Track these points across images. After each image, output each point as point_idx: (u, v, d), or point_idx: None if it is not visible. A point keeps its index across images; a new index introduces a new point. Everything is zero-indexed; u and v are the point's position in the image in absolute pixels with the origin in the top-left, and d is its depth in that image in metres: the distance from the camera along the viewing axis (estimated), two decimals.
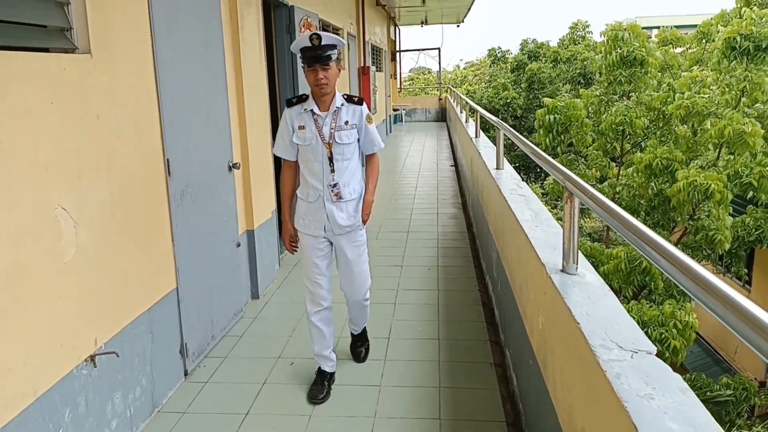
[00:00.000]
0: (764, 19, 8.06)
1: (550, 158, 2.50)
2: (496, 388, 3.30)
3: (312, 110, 2.95)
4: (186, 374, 3.45)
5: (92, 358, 2.55)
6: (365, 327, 3.66)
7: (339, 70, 2.93)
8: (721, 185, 7.12)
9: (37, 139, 2.26)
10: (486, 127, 11.39)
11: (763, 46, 8.00)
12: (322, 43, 2.79)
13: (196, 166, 3.63)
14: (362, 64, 11.82)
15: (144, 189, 3.05)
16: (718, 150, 8.33)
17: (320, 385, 3.25)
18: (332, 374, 3.33)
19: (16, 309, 2.13)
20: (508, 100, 19.49)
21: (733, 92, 8.23)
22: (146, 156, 3.07)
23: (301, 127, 2.97)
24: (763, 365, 12.36)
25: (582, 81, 18.87)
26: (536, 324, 2.48)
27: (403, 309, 4.48)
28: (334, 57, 2.86)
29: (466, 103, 10.06)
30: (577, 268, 2.18)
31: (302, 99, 3.01)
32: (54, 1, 2.44)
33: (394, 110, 21.73)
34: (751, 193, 7.61)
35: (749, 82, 8.15)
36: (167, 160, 3.25)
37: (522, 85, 20.85)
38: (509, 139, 4.23)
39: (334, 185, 2.99)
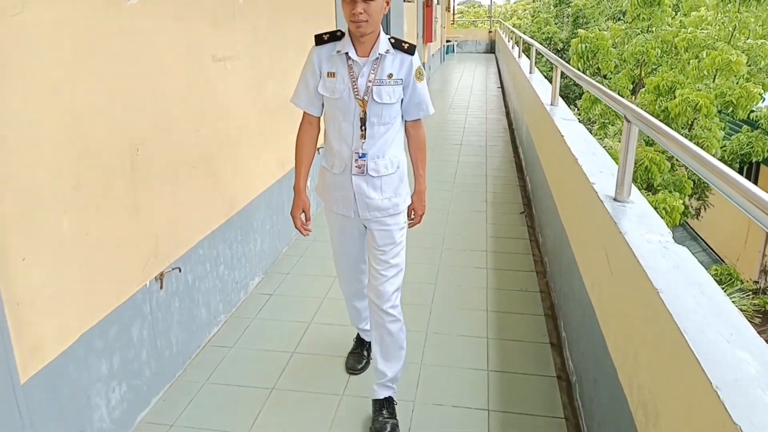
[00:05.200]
0: None
1: (546, 50, 4.91)
2: (517, 184, 5.84)
3: (347, 53, 2.22)
4: None
5: None
6: (393, 395, 2.55)
7: (387, 3, 2.17)
8: (708, 102, 9.26)
9: (217, 21, 4.77)
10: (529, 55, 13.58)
11: None
12: None
13: None
14: None
15: None
16: (713, 76, 10.38)
17: (359, 355, 2.94)
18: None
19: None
20: (550, 35, 21.30)
21: (727, 29, 10.21)
22: None
23: (331, 74, 2.25)
24: (757, 269, 14.59)
25: (621, 17, 20.49)
26: (544, 149, 4.96)
27: (464, 166, 7.03)
28: None
29: (512, 31, 12.26)
30: (558, 104, 4.63)
31: (336, 36, 2.27)
32: None
33: (447, 42, 23.70)
34: (731, 108, 9.73)
35: (738, 21, 10.10)
36: None
37: (565, 20, 22.56)
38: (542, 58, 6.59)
39: (361, 156, 2.27)
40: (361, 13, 2.07)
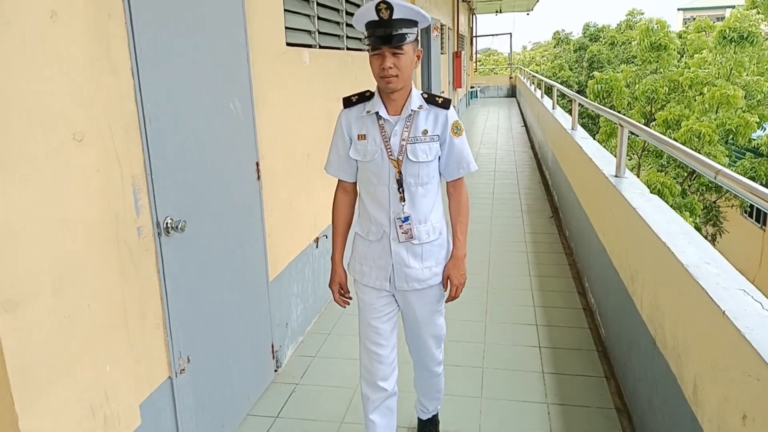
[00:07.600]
0: (745, 17, 11.39)
1: (565, 88, 6.29)
2: (546, 198, 7.18)
3: (377, 113, 2.10)
4: None
5: None
6: (437, 413, 2.72)
7: (417, 58, 2.07)
8: (710, 130, 10.57)
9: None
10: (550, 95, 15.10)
11: (744, 36, 11.33)
12: (394, 16, 1.93)
13: None
14: (456, 49, 15.62)
15: None
16: (715, 109, 11.74)
17: None
18: None
19: None
20: (565, 79, 22.91)
21: (724, 68, 11.62)
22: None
23: (362, 137, 2.14)
24: None
25: (633, 61, 22.08)
26: (566, 161, 6.31)
27: (500, 187, 8.41)
28: (410, 38, 1.99)
29: (533, 75, 13.83)
30: (577, 129, 5.99)
31: (365, 97, 2.16)
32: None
33: (471, 88, 25.43)
34: (731, 136, 11.03)
35: (735, 61, 11.52)
36: None
37: (583, 65, 24.22)
38: (563, 99, 8.02)
39: (405, 220, 2.13)
40: (390, 68, 1.97)
